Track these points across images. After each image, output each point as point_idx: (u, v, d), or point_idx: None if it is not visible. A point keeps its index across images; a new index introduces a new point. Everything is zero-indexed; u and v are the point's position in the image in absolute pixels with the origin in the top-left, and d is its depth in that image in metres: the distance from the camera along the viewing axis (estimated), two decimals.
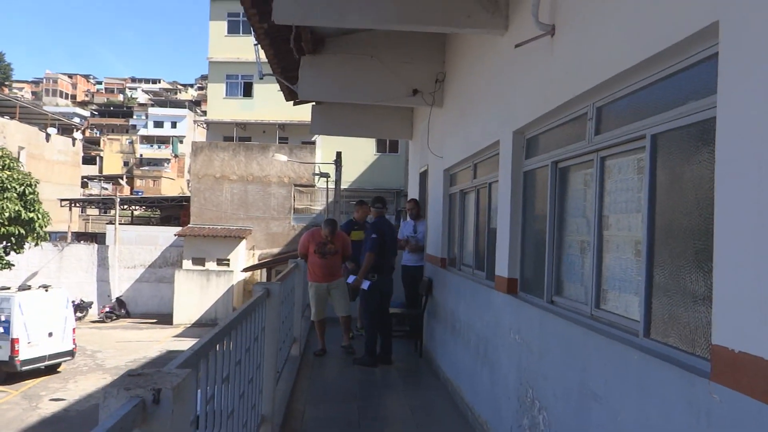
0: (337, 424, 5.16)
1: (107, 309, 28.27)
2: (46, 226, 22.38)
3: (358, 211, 8.33)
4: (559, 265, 3.68)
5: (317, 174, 18.87)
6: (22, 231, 21.23)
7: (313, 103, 10.31)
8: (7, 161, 21.58)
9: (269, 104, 31.18)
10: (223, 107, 32.30)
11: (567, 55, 3.37)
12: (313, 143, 30.17)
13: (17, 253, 22.32)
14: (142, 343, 23.52)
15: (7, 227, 20.74)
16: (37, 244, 22.78)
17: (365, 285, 7.06)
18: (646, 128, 2.58)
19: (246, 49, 30.53)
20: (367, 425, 5.10)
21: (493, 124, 4.87)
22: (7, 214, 20.39)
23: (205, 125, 36.87)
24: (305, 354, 7.44)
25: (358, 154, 28.33)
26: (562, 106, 3.46)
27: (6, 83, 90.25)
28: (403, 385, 6.40)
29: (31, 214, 21.36)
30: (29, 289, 19.59)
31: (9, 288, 19.56)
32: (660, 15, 2.36)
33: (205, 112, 37.30)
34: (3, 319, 17.97)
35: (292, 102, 10.68)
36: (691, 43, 2.21)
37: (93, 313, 28.64)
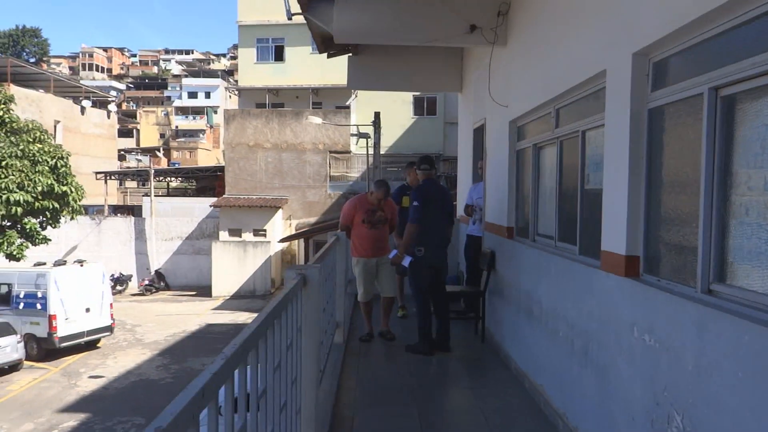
0: None
1: (147, 282, 28.09)
2: (80, 200, 21.96)
3: (411, 173, 7.23)
4: (723, 238, 2.53)
5: (355, 135, 17.72)
6: (56, 205, 20.83)
7: (349, 55, 9.17)
8: (38, 134, 21.10)
9: (302, 68, 30.07)
10: (255, 73, 31.30)
11: None
12: (348, 108, 28.99)
13: (53, 228, 22.02)
14: (181, 317, 23.19)
15: (41, 201, 20.35)
16: (72, 218, 22.44)
17: (406, 261, 5.99)
18: None
19: (276, 10, 29.30)
20: None
21: (595, 49, 3.67)
22: (40, 188, 19.96)
23: (236, 92, 35.99)
24: (350, 340, 6.48)
25: (395, 118, 27.08)
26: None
27: (44, 59, 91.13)
28: (469, 380, 5.37)
29: (65, 188, 20.91)
30: (64, 264, 19.23)
31: (44, 264, 19.24)
32: None
33: (237, 82, 36.25)
34: (40, 295, 17.67)
35: (326, 54, 9.57)
36: None
37: (133, 286, 28.52)
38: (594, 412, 3.60)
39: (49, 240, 22.13)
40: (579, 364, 3.83)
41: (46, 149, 20.82)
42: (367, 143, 17.01)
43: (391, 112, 25.70)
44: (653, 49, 3.01)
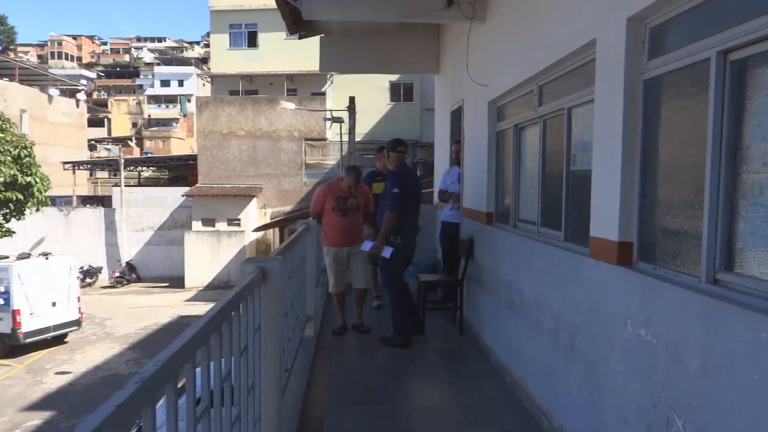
0: None
1: (117, 274, 27.35)
2: (46, 190, 21.19)
3: (381, 159, 6.97)
4: (733, 221, 2.25)
5: (330, 119, 17.26)
6: (20, 196, 20.07)
7: (321, 36, 8.78)
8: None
9: (276, 54, 29.41)
10: (228, 59, 30.55)
11: None
12: (323, 94, 28.50)
13: (18, 220, 21.24)
14: (153, 309, 22.62)
15: (4, 192, 19.58)
16: (38, 209, 21.67)
17: (387, 252, 5.69)
18: None
19: None
20: None
21: (583, 17, 3.36)
22: (2, 179, 19.18)
23: (209, 79, 35.17)
24: (322, 333, 6.16)
25: (372, 104, 26.66)
26: None
27: (11, 47, 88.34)
28: (447, 374, 5.08)
29: (29, 178, 20.15)
30: (28, 257, 18.52)
31: (7, 257, 18.52)
32: None
33: (210, 69, 35.26)
34: (2, 290, 16.98)
35: (298, 37, 9.17)
36: None
37: (103, 278, 27.77)
38: (582, 410, 3.33)
39: (13, 232, 21.36)
40: (565, 358, 3.56)
41: (8, 138, 20.01)
42: (341, 129, 16.58)
43: (367, 99, 25.26)
44: (651, 12, 2.71)
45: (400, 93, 28.00)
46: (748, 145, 2.17)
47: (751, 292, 2.10)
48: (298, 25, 8.15)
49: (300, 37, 9.07)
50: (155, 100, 73.28)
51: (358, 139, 19.22)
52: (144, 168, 39.34)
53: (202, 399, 1.82)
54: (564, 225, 3.88)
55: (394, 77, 27.48)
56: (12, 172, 19.45)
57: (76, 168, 33.52)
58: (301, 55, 27.05)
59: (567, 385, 3.54)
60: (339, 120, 15.72)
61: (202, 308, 22.48)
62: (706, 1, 2.35)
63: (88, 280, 26.43)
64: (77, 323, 18.49)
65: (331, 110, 19.46)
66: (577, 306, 3.40)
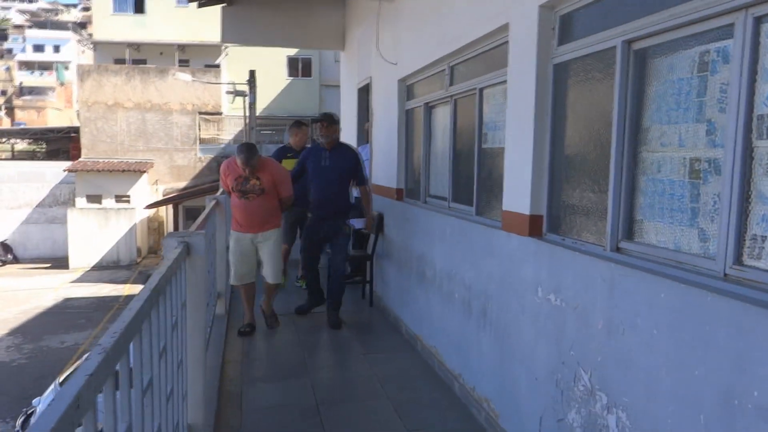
0: (290, 414, 3.90)
1: None
2: None
3: (298, 134, 6.78)
4: (632, 195, 2.50)
5: (231, 92, 16.64)
6: None
7: (223, 5, 8.47)
8: None
9: (166, 22, 27.87)
10: (112, 25, 28.54)
11: None
12: (218, 66, 27.46)
13: None
14: (34, 291, 21.07)
15: None
16: None
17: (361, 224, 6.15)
18: None
19: None
20: (330, 414, 3.87)
21: (495, 2, 3.52)
22: None
23: (92, 46, 32.75)
24: (232, 312, 6.08)
25: (269, 79, 26.03)
26: None
27: None
28: (361, 347, 5.21)
29: None
30: None
31: None
32: None
33: (91, 35, 32.68)
34: None
35: (196, 5, 8.79)
36: None
37: None
38: (493, 372, 3.57)
39: None
40: (477, 325, 3.78)
41: None
42: (244, 102, 16.10)
43: (264, 74, 24.61)
44: (561, 1, 2.91)
45: (298, 68, 27.59)
46: (647, 127, 2.42)
47: (651, 258, 2.37)
48: None
49: (200, 6, 8.71)
50: (27, 66, 67.20)
51: (256, 113, 18.73)
52: (17, 140, 36.19)
53: (144, 378, 1.80)
54: (475, 200, 4.08)
55: (292, 52, 27.01)
56: None
57: None
58: (194, 24, 25.87)
59: (479, 351, 3.78)
60: (242, 93, 15.23)
61: (89, 289, 21.27)
62: None
63: None
64: None
65: (232, 83, 18.80)
66: (490, 276, 3.62)
